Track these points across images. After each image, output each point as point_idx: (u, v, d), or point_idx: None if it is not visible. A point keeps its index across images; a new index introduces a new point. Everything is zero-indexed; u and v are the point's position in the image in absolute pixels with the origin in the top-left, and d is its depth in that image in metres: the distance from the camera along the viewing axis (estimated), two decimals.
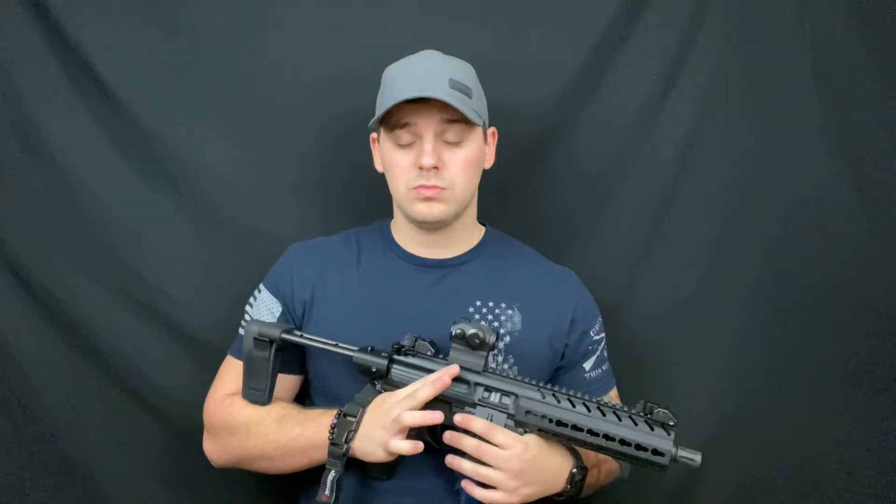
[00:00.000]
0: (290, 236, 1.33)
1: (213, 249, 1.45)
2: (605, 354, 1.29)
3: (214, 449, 1.24)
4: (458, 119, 1.14)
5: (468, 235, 1.27)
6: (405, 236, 1.25)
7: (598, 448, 1.04)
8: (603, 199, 1.50)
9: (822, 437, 1.48)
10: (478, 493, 1.05)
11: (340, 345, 1.15)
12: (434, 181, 1.15)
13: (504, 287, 1.23)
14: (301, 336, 1.16)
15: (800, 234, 1.48)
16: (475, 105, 1.16)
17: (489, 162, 1.26)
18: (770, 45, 1.46)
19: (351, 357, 1.13)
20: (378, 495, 1.17)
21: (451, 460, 1.07)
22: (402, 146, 1.16)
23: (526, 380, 1.10)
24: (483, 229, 1.30)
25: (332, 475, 1.08)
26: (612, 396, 1.28)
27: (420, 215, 1.17)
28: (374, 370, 1.12)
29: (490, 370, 1.11)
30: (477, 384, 1.09)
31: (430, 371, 1.10)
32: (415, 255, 1.24)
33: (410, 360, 1.12)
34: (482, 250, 1.27)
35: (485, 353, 1.09)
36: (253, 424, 1.17)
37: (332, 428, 1.09)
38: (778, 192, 1.48)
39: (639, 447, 1.02)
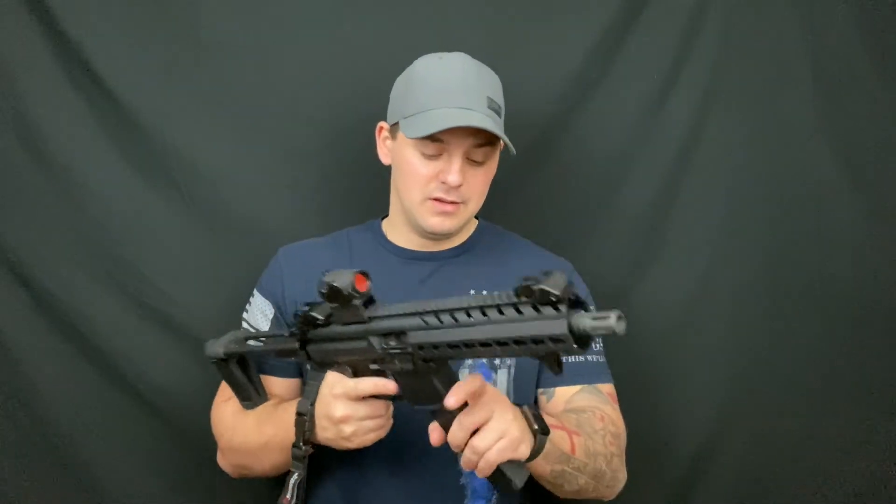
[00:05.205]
0: (290, 236, 1.33)
1: (214, 249, 1.45)
2: (600, 347, 1.24)
3: (221, 460, 1.23)
4: (488, 142, 1.15)
5: (463, 230, 1.27)
6: (400, 234, 1.25)
7: (505, 355, 0.87)
8: (603, 198, 1.50)
9: (823, 435, 1.48)
10: (494, 457, 0.90)
11: (267, 346, 1.12)
12: (454, 196, 1.15)
13: (498, 276, 1.22)
14: (243, 344, 1.12)
15: (800, 234, 1.48)
16: (502, 123, 1.17)
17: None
18: (770, 44, 1.47)
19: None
20: (376, 490, 1.16)
21: (464, 461, 0.94)
22: (426, 156, 1.15)
23: (409, 308, 0.92)
24: (476, 222, 1.30)
25: (294, 478, 1.03)
26: (607, 393, 1.22)
27: (431, 227, 1.18)
28: (294, 358, 1.06)
29: (375, 315, 0.95)
30: (371, 334, 0.95)
31: (340, 338, 0.99)
32: (407, 249, 1.25)
33: (321, 332, 1.01)
34: (475, 242, 1.27)
35: (359, 302, 0.94)
36: (238, 433, 1.17)
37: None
38: (778, 191, 1.48)
39: (535, 341, 0.80)
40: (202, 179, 1.44)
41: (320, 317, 1.00)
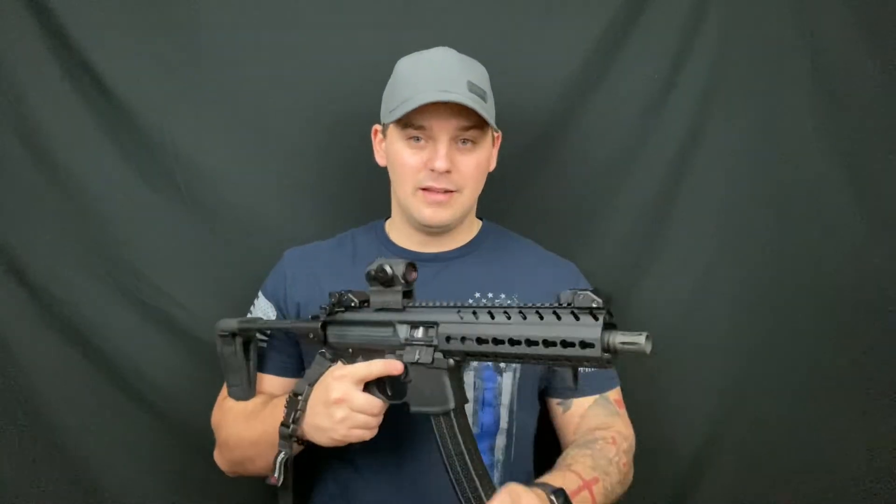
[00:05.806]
0: (290, 236, 1.33)
1: (214, 249, 1.45)
2: None
3: (218, 457, 1.24)
4: (474, 125, 1.14)
5: (466, 231, 1.27)
6: (402, 234, 1.26)
7: (528, 358, 0.90)
8: (603, 198, 1.50)
9: (822, 436, 1.48)
10: None
11: (285, 321, 1.18)
12: (444, 184, 1.15)
13: (502, 277, 1.23)
14: (257, 322, 1.18)
15: (799, 234, 1.48)
16: (489, 108, 1.17)
17: (492, 165, 1.26)
18: (770, 45, 1.47)
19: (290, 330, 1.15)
20: (367, 482, 1.16)
21: None
22: (413, 145, 1.16)
23: (449, 303, 0.98)
24: (480, 223, 1.30)
25: (281, 456, 1.06)
26: (614, 400, 1.25)
27: (425, 219, 1.18)
28: (311, 336, 1.09)
29: (412, 305, 1.02)
30: (399, 322, 1.01)
31: (365, 323, 1.04)
32: (411, 251, 1.25)
33: (346, 316, 1.06)
34: (479, 243, 1.28)
35: (400, 289, 1.01)
36: (232, 430, 1.18)
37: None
38: (777, 191, 1.48)
39: (565, 343, 0.84)
40: (202, 179, 1.44)
41: (356, 299, 1.06)
